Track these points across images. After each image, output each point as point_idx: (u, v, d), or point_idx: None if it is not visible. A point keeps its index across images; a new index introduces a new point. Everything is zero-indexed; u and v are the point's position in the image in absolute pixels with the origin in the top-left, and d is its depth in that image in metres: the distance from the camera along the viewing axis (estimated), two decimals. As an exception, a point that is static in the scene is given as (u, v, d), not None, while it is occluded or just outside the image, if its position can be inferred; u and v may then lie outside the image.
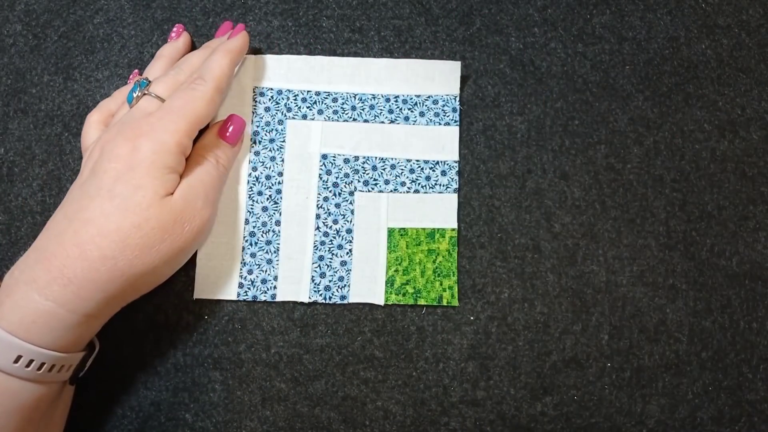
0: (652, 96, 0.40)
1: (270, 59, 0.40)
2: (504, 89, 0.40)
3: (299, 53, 0.40)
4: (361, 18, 0.41)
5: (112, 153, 0.32)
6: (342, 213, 0.38)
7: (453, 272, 0.38)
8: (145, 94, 0.35)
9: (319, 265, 0.38)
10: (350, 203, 0.38)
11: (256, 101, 0.39)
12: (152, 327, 0.37)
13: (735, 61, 0.41)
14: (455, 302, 0.37)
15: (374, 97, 0.39)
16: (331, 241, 0.38)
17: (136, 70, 0.39)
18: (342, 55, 0.40)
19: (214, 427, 0.37)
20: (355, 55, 0.40)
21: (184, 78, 0.36)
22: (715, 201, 0.39)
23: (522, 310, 0.38)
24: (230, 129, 0.37)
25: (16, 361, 0.29)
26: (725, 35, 0.41)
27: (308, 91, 0.39)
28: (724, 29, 0.41)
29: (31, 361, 0.30)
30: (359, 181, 0.39)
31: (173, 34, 0.39)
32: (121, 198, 0.31)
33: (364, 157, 0.39)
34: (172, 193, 0.33)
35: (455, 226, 0.38)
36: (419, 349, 0.37)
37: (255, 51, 0.40)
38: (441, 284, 0.38)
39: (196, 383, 0.37)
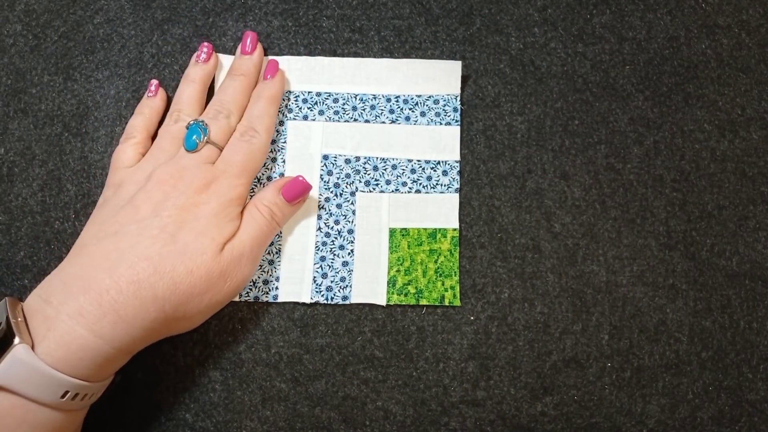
0: (652, 96, 0.40)
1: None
2: (504, 89, 0.40)
3: (299, 53, 0.40)
4: (361, 18, 0.41)
5: (178, 201, 0.33)
6: (343, 213, 0.38)
7: (455, 272, 0.38)
8: (207, 143, 0.35)
9: (320, 266, 0.38)
10: (352, 203, 0.38)
11: None
12: (152, 327, 0.37)
13: (735, 61, 0.41)
14: (457, 302, 0.37)
15: (375, 98, 0.39)
16: (332, 241, 0.38)
17: (156, 81, 0.39)
18: (342, 55, 0.40)
19: (214, 427, 0.37)
20: (355, 55, 0.40)
21: (235, 123, 0.37)
22: (715, 201, 0.39)
23: (522, 310, 0.38)
24: (291, 189, 0.36)
25: (62, 396, 0.29)
26: (725, 35, 0.41)
27: (309, 92, 0.39)
28: (724, 29, 0.41)
29: (76, 394, 0.30)
30: (360, 182, 0.39)
31: (203, 56, 0.38)
32: (183, 243, 0.32)
33: (366, 158, 0.39)
34: (226, 242, 0.33)
35: (457, 226, 0.38)
36: (419, 349, 0.37)
37: None
38: (443, 284, 0.38)
39: (197, 383, 0.37)
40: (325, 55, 0.40)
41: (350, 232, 0.38)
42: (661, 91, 0.40)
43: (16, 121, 0.39)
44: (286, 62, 0.40)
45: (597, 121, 0.40)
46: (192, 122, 0.36)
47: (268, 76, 0.38)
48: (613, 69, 0.40)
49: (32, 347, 0.28)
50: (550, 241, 0.38)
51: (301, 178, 0.36)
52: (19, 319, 0.29)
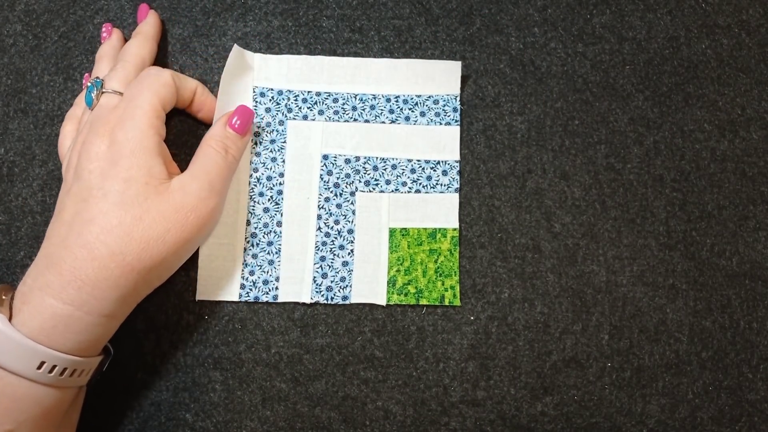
0: (652, 96, 0.40)
1: (270, 59, 0.40)
2: (504, 89, 0.40)
3: (299, 53, 0.40)
4: (361, 18, 0.41)
5: (90, 153, 0.32)
6: (343, 213, 0.38)
7: (455, 272, 0.38)
8: (103, 92, 0.35)
9: (320, 266, 0.38)
10: (351, 203, 0.38)
11: (256, 102, 0.39)
12: (153, 327, 0.37)
13: (735, 60, 0.41)
14: (457, 302, 0.37)
15: (375, 98, 0.39)
16: (332, 241, 0.38)
17: (87, 74, 0.39)
18: (342, 55, 0.40)
19: (214, 427, 0.37)
20: (356, 55, 0.40)
21: (132, 68, 0.36)
22: (715, 201, 0.39)
23: (522, 310, 0.38)
24: (238, 119, 0.36)
25: (39, 368, 0.29)
26: (725, 35, 0.41)
27: (309, 92, 0.39)
28: (724, 29, 0.41)
29: (54, 366, 0.30)
30: (360, 182, 0.39)
31: (105, 34, 0.39)
32: (114, 193, 0.31)
33: (365, 158, 0.39)
34: (168, 180, 0.33)
35: (457, 225, 0.38)
36: (419, 349, 0.37)
37: (255, 51, 0.40)
38: (443, 284, 0.38)
39: (197, 383, 0.37)
40: (325, 55, 0.40)
41: (350, 232, 0.38)
42: (661, 91, 0.40)
43: (16, 121, 0.39)
44: (286, 62, 0.40)
45: (597, 121, 0.40)
46: (89, 83, 0.36)
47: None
48: (613, 69, 0.40)
49: (9, 320, 0.29)
50: (550, 241, 0.38)
51: (242, 107, 0.36)
52: (3, 297, 0.30)
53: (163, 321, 0.37)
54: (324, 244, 0.38)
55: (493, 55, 0.40)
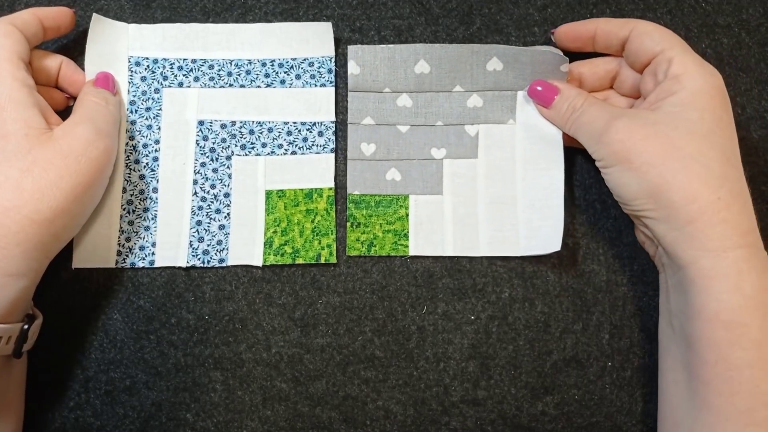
0: (652, 95, 0.40)
1: (145, 29, 0.40)
2: (504, 89, 0.40)
3: (299, 53, 0.40)
4: (362, 18, 0.41)
5: None
6: (219, 177, 0.38)
7: (331, 231, 0.38)
8: None
9: (197, 230, 0.38)
10: (227, 167, 0.39)
11: (132, 71, 0.39)
12: (153, 327, 0.37)
13: (735, 60, 0.41)
14: (333, 259, 0.38)
15: (250, 62, 0.40)
16: (208, 205, 0.38)
17: None
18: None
19: (215, 426, 0.37)
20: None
21: None
22: (715, 200, 0.39)
23: (522, 310, 0.38)
24: (100, 79, 0.37)
25: None
26: (725, 34, 0.41)
27: (184, 59, 0.39)
28: (724, 28, 0.41)
29: None
30: (236, 146, 0.39)
31: None
32: None
33: (241, 122, 0.39)
34: (50, 129, 0.33)
35: (332, 185, 0.38)
36: (420, 348, 0.37)
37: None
38: (319, 243, 0.38)
39: (197, 383, 0.37)
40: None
41: (226, 195, 0.38)
42: (661, 90, 0.40)
43: (16, 121, 0.39)
44: (160, 30, 0.40)
45: (597, 121, 0.40)
46: None
47: None
48: (613, 68, 0.40)
49: None
50: (550, 240, 0.38)
51: (101, 74, 0.37)
52: None
53: (163, 321, 0.37)
54: (200, 208, 0.38)
55: (493, 55, 0.40)
